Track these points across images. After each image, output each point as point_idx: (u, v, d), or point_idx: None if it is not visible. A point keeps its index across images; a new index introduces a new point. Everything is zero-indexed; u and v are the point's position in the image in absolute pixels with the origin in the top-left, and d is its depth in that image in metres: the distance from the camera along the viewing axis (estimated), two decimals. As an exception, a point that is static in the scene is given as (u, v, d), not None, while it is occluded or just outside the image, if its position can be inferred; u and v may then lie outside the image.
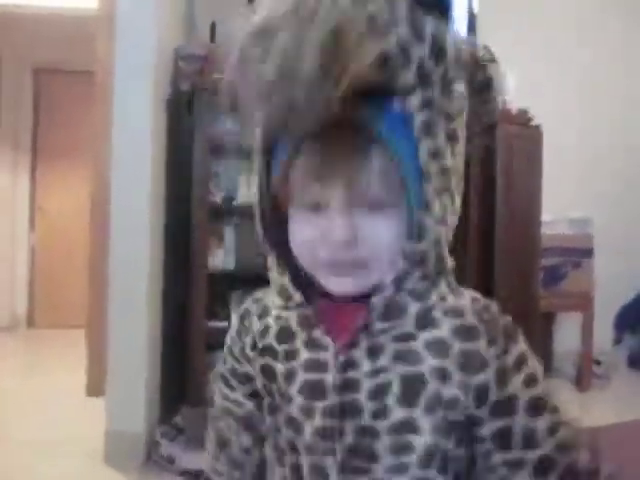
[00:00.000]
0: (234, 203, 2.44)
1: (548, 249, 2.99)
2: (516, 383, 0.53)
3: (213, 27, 2.65)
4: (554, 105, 3.40)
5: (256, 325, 0.61)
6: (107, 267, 2.06)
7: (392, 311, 0.53)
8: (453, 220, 0.55)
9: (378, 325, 0.53)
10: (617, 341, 3.74)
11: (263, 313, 0.61)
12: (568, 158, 3.48)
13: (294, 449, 0.57)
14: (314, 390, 0.56)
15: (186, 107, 2.50)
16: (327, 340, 0.56)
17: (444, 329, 0.54)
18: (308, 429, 0.56)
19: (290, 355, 0.58)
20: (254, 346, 0.61)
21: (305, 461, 0.56)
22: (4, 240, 4.60)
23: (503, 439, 0.54)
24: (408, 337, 0.54)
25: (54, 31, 4.33)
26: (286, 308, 0.58)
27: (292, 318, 0.58)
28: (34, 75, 4.76)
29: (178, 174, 2.52)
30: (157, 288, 2.21)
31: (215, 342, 2.36)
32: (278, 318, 0.60)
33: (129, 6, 2.05)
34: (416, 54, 0.49)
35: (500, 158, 2.66)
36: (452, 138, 0.53)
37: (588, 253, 3.14)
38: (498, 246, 2.67)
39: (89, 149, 2.96)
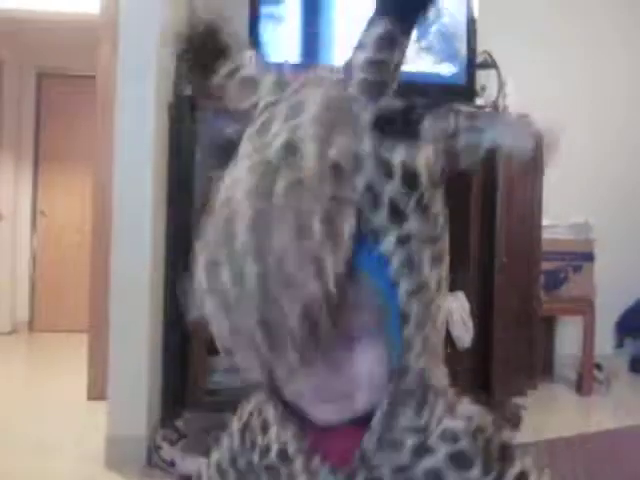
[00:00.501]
0: (235, 207, 2.45)
1: (549, 253, 2.99)
2: None
3: (215, 32, 2.66)
4: (555, 110, 3.40)
5: (260, 440, 0.60)
6: (109, 271, 2.07)
7: (387, 447, 0.52)
8: (435, 345, 0.53)
9: (375, 459, 0.53)
10: (618, 346, 3.74)
11: (264, 428, 0.60)
12: (569, 163, 3.48)
13: None
14: None
15: (188, 112, 2.52)
16: (325, 470, 0.55)
17: (439, 457, 0.53)
18: None
19: (290, 477, 0.57)
20: (260, 462, 0.60)
21: None
22: (6, 245, 4.62)
23: None
24: (405, 469, 0.53)
25: (57, 36, 4.35)
26: (284, 430, 0.57)
27: (289, 442, 0.57)
28: (37, 80, 4.78)
29: (180, 178, 2.53)
30: (159, 292, 2.22)
31: (216, 347, 2.36)
32: (278, 438, 0.58)
33: (131, 12, 2.06)
34: (387, 194, 0.46)
35: (501, 163, 2.67)
36: (436, 261, 0.50)
37: (589, 257, 3.14)
38: (499, 250, 2.67)
39: (91, 154, 2.97)
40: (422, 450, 0.53)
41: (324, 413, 0.51)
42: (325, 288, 0.41)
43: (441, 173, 0.51)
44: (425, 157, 0.48)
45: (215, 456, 0.66)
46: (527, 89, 3.05)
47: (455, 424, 0.54)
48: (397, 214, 0.46)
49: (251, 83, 0.53)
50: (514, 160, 0.55)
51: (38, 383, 3.25)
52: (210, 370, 2.33)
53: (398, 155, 0.46)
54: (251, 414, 0.62)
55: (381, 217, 0.46)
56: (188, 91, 2.42)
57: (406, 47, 0.49)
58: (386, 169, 0.46)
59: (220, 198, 0.47)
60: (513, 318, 2.73)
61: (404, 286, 0.47)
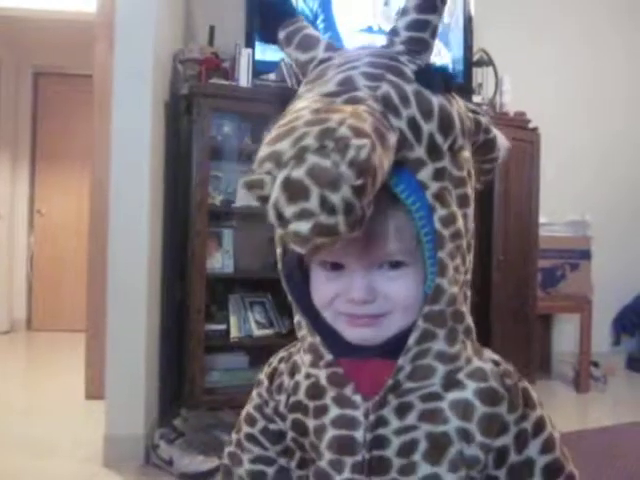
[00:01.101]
0: (233, 206, 2.45)
1: (546, 251, 3.00)
2: (533, 448, 0.57)
3: (211, 31, 2.66)
4: (552, 107, 3.41)
5: (288, 383, 0.63)
6: (106, 270, 2.06)
7: (419, 373, 0.55)
8: (466, 278, 0.58)
9: (406, 385, 0.56)
10: (615, 343, 3.75)
11: (293, 371, 0.63)
12: (566, 160, 3.49)
13: None
14: (343, 446, 0.57)
15: (185, 111, 2.51)
16: (357, 398, 0.57)
17: (469, 391, 0.56)
18: None
19: (320, 411, 0.59)
20: (287, 402, 0.62)
21: None
22: (3, 244, 4.60)
23: None
24: (434, 397, 0.56)
25: (53, 35, 4.34)
26: (316, 366, 0.59)
27: (321, 376, 0.59)
28: (34, 79, 4.77)
29: (177, 178, 2.53)
30: (156, 291, 2.22)
31: (212, 345, 2.37)
32: (308, 376, 0.61)
33: (128, 11, 2.06)
34: (426, 129, 0.53)
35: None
36: (463, 202, 0.56)
37: (586, 255, 3.15)
38: (496, 248, 2.68)
39: (88, 153, 2.97)
40: (452, 382, 0.56)
41: (359, 336, 0.56)
42: (375, 165, 0.45)
43: (471, 132, 0.59)
44: (458, 110, 0.56)
45: (246, 408, 0.68)
46: (525, 87, 3.05)
47: (484, 365, 0.58)
48: (434, 151, 0.54)
49: (311, 41, 0.61)
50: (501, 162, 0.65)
51: (36, 382, 3.24)
52: (207, 369, 2.33)
53: (437, 101, 0.54)
54: (280, 360, 0.65)
55: (421, 150, 0.53)
56: (185, 90, 2.41)
57: (443, 11, 0.57)
58: (427, 110, 0.53)
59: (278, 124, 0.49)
60: (510, 315, 2.74)
61: (439, 213, 0.53)
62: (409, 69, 0.55)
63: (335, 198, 0.43)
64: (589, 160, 3.65)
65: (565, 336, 3.48)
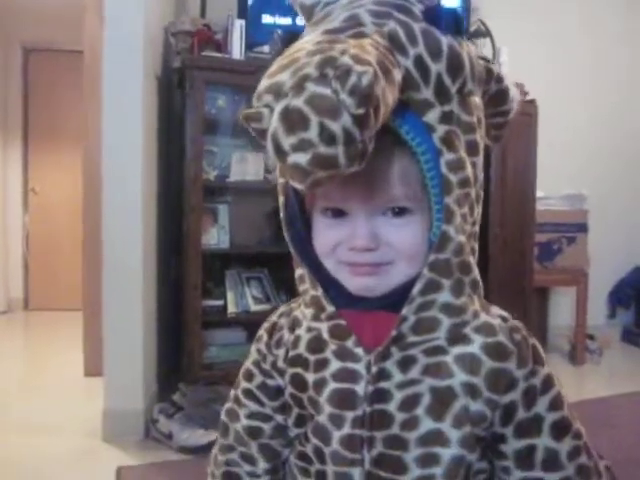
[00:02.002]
0: (227, 181, 2.43)
1: (543, 225, 3.00)
2: (542, 405, 0.55)
3: (203, 3, 2.61)
4: (550, 80, 3.37)
5: (287, 337, 0.61)
6: (101, 248, 2.05)
7: (423, 325, 0.53)
8: (474, 230, 0.55)
9: (410, 338, 0.54)
10: (611, 316, 3.77)
11: (294, 325, 0.61)
12: (563, 134, 3.47)
13: (321, 458, 0.57)
14: (344, 400, 0.56)
15: (177, 84, 2.47)
16: (359, 351, 0.56)
17: (475, 346, 0.54)
18: (336, 438, 0.56)
19: (320, 365, 0.57)
20: (286, 357, 0.61)
21: (331, 470, 0.57)
22: (-3, 223, 4.58)
23: (525, 458, 0.55)
24: (439, 351, 0.54)
25: (43, 11, 4.26)
26: (317, 319, 0.58)
27: (323, 329, 0.58)
28: (23, 55, 4.69)
29: (170, 153, 2.50)
30: (151, 267, 2.21)
31: (210, 320, 2.38)
32: (309, 330, 0.59)
33: (117, -19, 2.01)
34: (434, 70, 0.51)
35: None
36: (472, 150, 0.54)
37: (583, 229, 3.15)
38: (493, 222, 2.67)
39: (81, 130, 2.93)
40: (458, 336, 0.54)
41: (361, 283, 0.54)
42: (377, 95, 0.43)
43: (483, 79, 0.56)
44: (469, 52, 0.53)
45: (245, 363, 0.67)
46: (522, 60, 3.01)
47: (492, 320, 0.56)
48: (442, 92, 0.51)
49: None
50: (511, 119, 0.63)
51: (35, 361, 3.26)
52: (205, 345, 2.34)
53: (446, 41, 0.51)
54: (280, 315, 0.64)
55: (428, 92, 0.51)
56: (177, 63, 2.37)
57: None
58: (435, 49, 0.51)
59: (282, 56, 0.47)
60: (507, 289, 2.74)
61: (446, 157, 0.51)
62: (417, 8, 0.53)
63: (335, 127, 0.41)
64: (586, 135, 3.62)
65: (561, 309, 3.50)
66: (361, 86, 0.41)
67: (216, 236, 2.40)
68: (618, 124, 3.71)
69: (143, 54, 2.03)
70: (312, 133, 0.42)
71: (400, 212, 0.53)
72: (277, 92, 0.43)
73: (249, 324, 2.37)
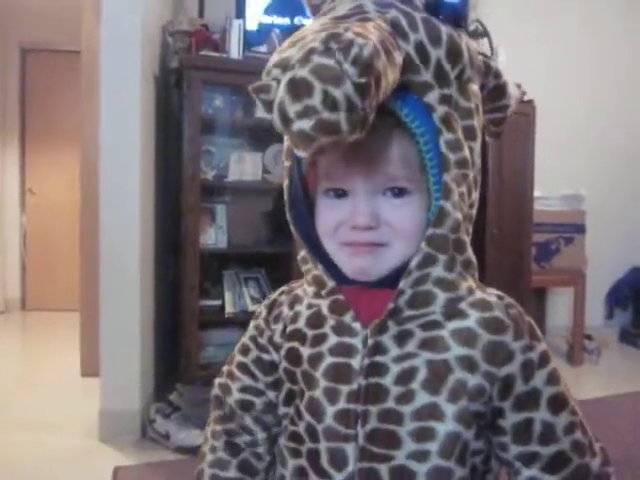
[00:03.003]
0: (225, 181, 2.43)
1: (540, 225, 3.00)
2: (539, 378, 0.56)
3: (201, 3, 2.61)
4: (548, 80, 3.38)
5: (287, 313, 0.63)
6: (98, 248, 2.05)
7: (419, 299, 0.55)
8: (470, 212, 0.57)
9: (406, 312, 0.55)
10: (608, 316, 3.78)
11: (294, 302, 0.63)
12: (561, 134, 3.47)
13: (313, 436, 0.58)
14: (340, 374, 0.57)
15: (175, 84, 2.47)
16: (356, 325, 0.57)
17: (471, 320, 0.55)
18: (330, 413, 0.56)
19: (318, 339, 0.59)
20: (283, 332, 0.62)
21: (324, 447, 0.57)
22: (-5, 224, 4.57)
23: (522, 432, 0.56)
24: (435, 326, 0.55)
25: (41, 11, 4.25)
26: (318, 296, 0.60)
27: (323, 305, 0.59)
28: (21, 55, 4.68)
29: (168, 153, 2.50)
30: (149, 268, 2.21)
31: (207, 321, 2.37)
32: (309, 306, 0.61)
33: (114, -19, 2.00)
34: (434, 55, 0.53)
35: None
36: (470, 134, 0.56)
37: (580, 229, 3.15)
38: (490, 222, 2.67)
39: (78, 129, 2.93)
40: (454, 311, 0.55)
41: (359, 265, 0.56)
42: (378, 68, 0.45)
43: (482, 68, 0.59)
44: (467, 44, 0.56)
45: (241, 339, 0.68)
46: (520, 60, 3.01)
47: (488, 297, 0.57)
48: (441, 77, 0.54)
49: None
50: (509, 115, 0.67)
51: (32, 361, 3.25)
52: (202, 345, 2.34)
53: (446, 30, 0.54)
54: (281, 293, 0.66)
55: (428, 75, 0.53)
56: (174, 63, 2.37)
57: None
58: (435, 36, 0.53)
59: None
60: (504, 289, 2.73)
61: (445, 136, 0.53)
62: (419, 1, 0.56)
63: (337, 93, 0.44)
64: (585, 134, 3.63)
65: (559, 310, 3.50)
66: (363, 56, 0.44)
67: (214, 236, 2.40)
68: (617, 124, 3.72)
69: (141, 54, 2.03)
70: (316, 100, 0.44)
71: (400, 193, 0.55)
72: (285, 65, 0.46)
73: (246, 324, 2.35)
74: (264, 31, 2.50)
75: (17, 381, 2.82)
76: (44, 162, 4.72)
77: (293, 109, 0.45)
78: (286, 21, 2.58)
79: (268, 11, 2.58)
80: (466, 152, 0.55)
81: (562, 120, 3.46)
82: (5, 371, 3.00)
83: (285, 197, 0.60)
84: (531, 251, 2.93)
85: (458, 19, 0.56)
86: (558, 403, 0.56)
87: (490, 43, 3.06)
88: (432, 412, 0.54)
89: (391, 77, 0.48)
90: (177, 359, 2.31)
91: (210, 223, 2.40)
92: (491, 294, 0.58)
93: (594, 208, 3.28)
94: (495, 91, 0.63)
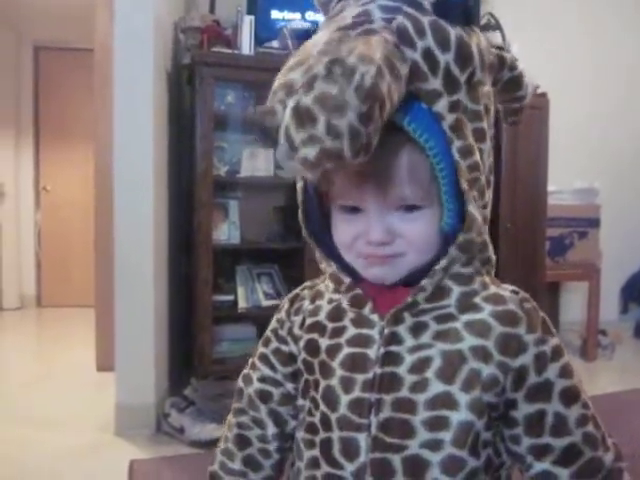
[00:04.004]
0: (238, 177, 2.44)
1: (554, 219, 2.98)
2: (552, 371, 0.56)
3: (213, -1, 2.61)
4: (562, 74, 3.35)
5: (307, 306, 0.65)
6: (113, 244, 2.06)
7: (435, 292, 0.56)
8: (484, 212, 0.57)
9: (422, 305, 0.56)
10: (623, 311, 3.75)
11: (316, 297, 0.65)
12: (574, 128, 3.44)
13: (327, 425, 0.59)
14: (356, 363, 0.58)
15: (187, 81, 2.48)
16: (374, 317, 0.58)
17: (485, 313, 0.56)
18: (344, 402, 0.58)
19: (337, 331, 0.60)
20: (302, 324, 0.64)
21: (336, 437, 0.58)
22: (10, 222, 4.62)
23: (535, 424, 0.56)
24: (449, 318, 0.57)
25: (54, 9, 4.28)
26: (338, 291, 0.62)
27: (343, 299, 0.61)
28: (34, 53, 4.72)
29: (181, 149, 2.51)
30: (162, 263, 2.22)
31: (221, 316, 2.39)
32: (330, 301, 0.63)
33: (127, -22, 2.01)
34: (442, 60, 0.53)
35: (505, 127, 2.63)
36: (480, 137, 0.56)
37: (595, 223, 3.12)
38: (503, 216, 2.66)
39: (91, 127, 2.95)
40: (468, 305, 0.57)
41: (378, 275, 0.57)
42: (382, 92, 0.46)
43: (493, 65, 0.58)
44: (478, 43, 0.55)
45: (265, 333, 0.70)
46: (534, 51, 2.99)
47: (502, 291, 0.59)
48: (450, 82, 0.53)
49: None
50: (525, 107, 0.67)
51: (48, 357, 3.29)
52: (216, 340, 2.35)
53: (455, 32, 0.53)
54: (304, 288, 0.68)
55: (436, 82, 0.53)
56: (187, 59, 2.38)
57: None
58: (443, 40, 0.53)
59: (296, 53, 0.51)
60: (518, 284, 2.72)
61: (456, 144, 0.54)
62: (427, 1, 0.54)
63: (340, 123, 0.45)
64: (596, 128, 3.60)
65: (573, 304, 3.48)
66: (365, 85, 0.45)
67: (227, 232, 2.41)
68: (634, 118, 3.68)
69: (153, 51, 2.04)
70: (320, 129, 0.45)
71: (411, 207, 0.55)
72: (289, 89, 0.46)
73: (260, 319, 2.37)
74: (275, 27, 2.50)
75: (33, 377, 2.86)
76: (58, 160, 4.76)
77: (298, 137, 0.46)
78: (297, 17, 2.58)
79: (279, 7, 2.57)
80: (477, 156, 0.55)
81: (572, 113, 3.42)
82: (21, 367, 3.04)
83: (299, 199, 0.61)
84: (545, 245, 2.91)
85: (469, 16, 0.55)
86: (570, 396, 0.57)
87: (503, 36, 3.04)
88: (446, 401, 0.55)
89: (396, 95, 0.49)
90: (191, 354, 2.33)
91: (223, 219, 2.41)
92: (505, 289, 0.59)
93: (608, 202, 3.25)
94: (510, 83, 0.63)
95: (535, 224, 2.82)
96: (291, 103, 0.46)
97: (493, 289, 0.58)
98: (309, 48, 0.49)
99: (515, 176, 2.71)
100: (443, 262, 0.55)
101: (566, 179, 3.13)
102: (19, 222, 4.70)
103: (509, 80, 0.63)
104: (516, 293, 0.59)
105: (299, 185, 0.61)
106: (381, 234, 0.55)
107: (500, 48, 0.61)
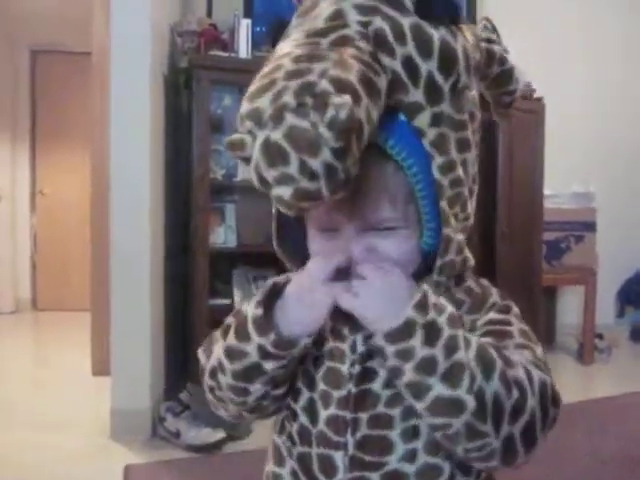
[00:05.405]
0: (234, 180, 2.44)
1: (550, 223, 2.98)
2: (512, 318, 0.57)
3: (209, 2, 2.62)
4: (558, 78, 3.36)
5: None
6: (109, 247, 2.06)
7: None
8: (466, 224, 0.56)
9: None
10: (619, 315, 3.75)
11: None
12: (571, 131, 3.45)
13: (306, 440, 0.57)
14: (332, 379, 0.56)
15: (184, 84, 2.48)
16: (346, 330, 0.56)
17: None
18: (323, 417, 0.56)
19: (319, 342, 0.57)
20: None
21: (315, 453, 0.56)
22: (6, 225, 4.61)
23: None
24: None
25: (51, 13, 4.28)
26: None
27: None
28: (31, 57, 4.71)
29: (177, 152, 2.51)
30: (159, 267, 2.21)
31: (217, 319, 2.37)
32: None
33: (124, -18, 2.01)
34: (424, 69, 0.49)
35: (502, 131, 2.64)
36: (463, 147, 0.53)
37: (591, 227, 3.13)
38: (500, 220, 2.66)
39: (89, 131, 2.94)
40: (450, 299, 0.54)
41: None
42: (359, 121, 0.42)
43: (479, 65, 0.55)
44: (464, 44, 0.51)
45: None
46: (529, 56, 3.00)
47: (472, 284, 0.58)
48: (433, 92, 0.49)
49: None
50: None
51: (43, 360, 3.27)
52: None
53: (438, 35, 0.48)
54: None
55: (418, 93, 0.49)
56: (183, 63, 2.38)
57: None
58: (426, 47, 0.48)
59: (267, 64, 0.47)
60: (515, 288, 2.73)
61: (437, 160, 0.50)
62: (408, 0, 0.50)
63: (315, 163, 0.41)
64: (594, 132, 3.60)
65: (569, 308, 3.48)
66: (340, 119, 0.41)
67: (223, 235, 2.41)
68: (629, 121, 3.69)
69: (150, 54, 2.04)
70: (293, 169, 0.42)
71: (387, 228, 0.53)
72: (258, 119, 0.43)
73: (256, 323, 2.37)
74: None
75: (28, 380, 2.85)
76: (55, 163, 4.76)
77: (270, 174, 0.43)
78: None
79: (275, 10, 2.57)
80: (459, 171, 0.53)
81: (571, 117, 3.43)
82: (16, 370, 3.03)
83: (273, 228, 0.60)
84: (541, 249, 2.92)
85: (454, 13, 0.51)
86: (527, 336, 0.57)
87: (499, 41, 3.06)
88: (415, 410, 0.53)
89: (375, 113, 0.45)
90: (187, 358, 2.32)
91: (219, 222, 2.41)
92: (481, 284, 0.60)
93: (604, 206, 3.26)
94: (501, 77, 0.61)
95: (531, 228, 2.83)
96: (260, 138, 0.42)
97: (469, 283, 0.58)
98: (276, 65, 0.45)
99: (511, 180, 2.72)
100: (430, 289, 0.51)
101: (562, 183, 3.14)
102: (15, 225, 4.69)
103: (499, 74, 0.61)
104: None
105: (274, 211, 0.59)
106: (360, 255, 0.52)
107: (490, 41, 0.58)
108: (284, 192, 0.43)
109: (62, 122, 4.68)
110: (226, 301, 2.41)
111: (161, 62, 2.26)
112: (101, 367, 2.62)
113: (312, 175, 0.42)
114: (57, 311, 4.54)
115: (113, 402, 2.04)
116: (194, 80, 2.25)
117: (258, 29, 2.44)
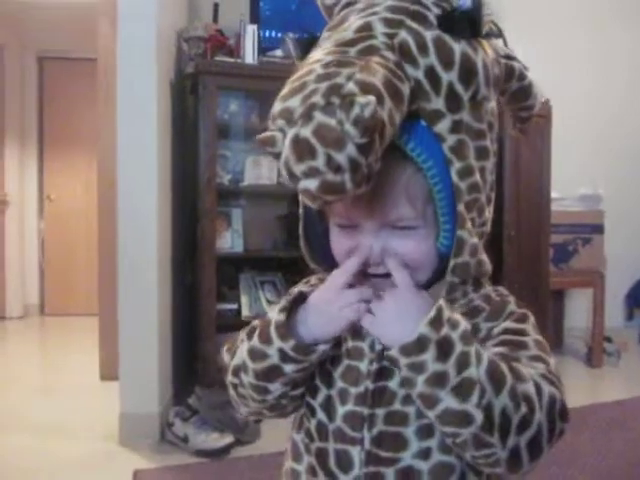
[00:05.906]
0: (241, 185, 2.44)
1: (558, 226, 2.97)
2: (529, 327, 0.58)
3: (215, 8, 2.63)
4: (564, 80, 3.35)
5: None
6: (116, 253, 2.07)
7: None
8: (483, 230, 0.58)
9: None
10: (628, 318, 3.73)
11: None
12: (578, 134, 3.44)
13: (323, 435, 0.59)
14: (351, 376, 0.59)
15: (191, 90, 2.49)
16: (365, 330, 0.58)
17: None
18: (340, 414, 0.58)
19: (339, 343, 0.60)
20: None
21: (332, 448, 0.59)
22: (14, 231, 4.63)
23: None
24: None
25: (57, 19, 4.31)
26: None
27: None
28: (38, 63, 4.75)
29: (184, 158, 2.52)
30: (166, 272, 2.22)
31: (224, 324, 2.38)
32: None
33: (130, -11, 2.03)
34: (445, 79, 0.52)
35: (508, 134, 2.63)
36: (482, 155, 0.56)
37: (599, 229, 3.12)
38: (508, 223, 2.65)
39: (95, 136, 2.96)
40: (470, 310, 0.57)
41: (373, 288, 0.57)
42: (382, 121, 0.45)
43: (499, 79, 0.58)
44: (484, 58, 0.54)
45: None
46: (536, 58, 3.00)
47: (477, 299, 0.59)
48: (454, 101, 0.53)
49: None
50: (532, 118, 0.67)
51: (51, 365, 3.28)
52: (219, 348, 2.34)
53: (459, 48, 0.52)
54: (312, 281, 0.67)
55: (439, 101, 0.52)
56: (190, 68, 2.39)
57: None
58: (447, 58, 0.52)
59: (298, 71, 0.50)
60: (522, 291, 2.72)
61: (456, 165, 0.53)
62: (432, 13, 0.53)
63: (340, 157, 0.45)
64: (601, 134, 3.60)
65: (577, 311, 3.46)
66: (364, 117, 0.44)
67: (230, 240, 2.42)
68: (636, 123, 3.67)
69: (157, 60, 2.05)
70: (319, 162, 0.45)
71: (405, 226, 0.56)
72: (288, 118, 0.46)
73: (263, 327, 2.37)
74: (279, 36, 2.51)
75: (36, 385, 2.86)
76: (62, 169, 4.79)
77: (298, 169, 0.46)
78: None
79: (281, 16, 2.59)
80: (477, 176, 0.55)
81: (577, 120, 3.43)
82: (25, 375, 3.04)
83: (300, 228, 0.62)
84: (549, 252, 2.90)
85: (475, 28, 0.53)
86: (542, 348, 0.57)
87: (505, 44, 3.07)
88: None
89: (398, 117, 0.48)
90: (195, 363, 2.32)
91: (226, 227, 2.42)
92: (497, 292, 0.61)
93: (612, 208, 3.24)
94: (519, 93, 0.63)
95: (539, 231, 2.82)
96: (290, 134, 0.46)
97: (471, 296, 0.59)
98: (307, 70, 0.48)
99: (518, 183, 2.71)
100: (444, 288, 0.55)
101: (569, 185, 3.13)
102: (23, 231, 4.72)
103: (517, 90, 0.63)
104: (495, 290, 0.61)
105: (300, 212, 0.62)
106: (377, 254, 0.55)
107: (510, 57, 0.60)
108: (311, 184, 0.46)
109: (69, 128, 4.71)
110: (233, 306, 2.42)
111: (167, 68, 2.27)
112: (109, 372, 2.63)
113: (337, 168, 0.45)
114: (65, 316, 4.56)
115: (121, 407, 2.04)
116: (200, 86, 2.26)
117: (264, 35, 2.45)
